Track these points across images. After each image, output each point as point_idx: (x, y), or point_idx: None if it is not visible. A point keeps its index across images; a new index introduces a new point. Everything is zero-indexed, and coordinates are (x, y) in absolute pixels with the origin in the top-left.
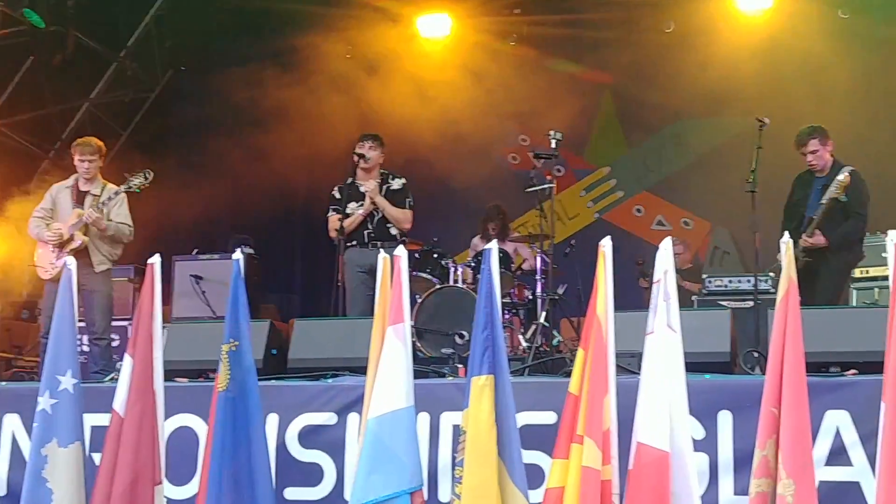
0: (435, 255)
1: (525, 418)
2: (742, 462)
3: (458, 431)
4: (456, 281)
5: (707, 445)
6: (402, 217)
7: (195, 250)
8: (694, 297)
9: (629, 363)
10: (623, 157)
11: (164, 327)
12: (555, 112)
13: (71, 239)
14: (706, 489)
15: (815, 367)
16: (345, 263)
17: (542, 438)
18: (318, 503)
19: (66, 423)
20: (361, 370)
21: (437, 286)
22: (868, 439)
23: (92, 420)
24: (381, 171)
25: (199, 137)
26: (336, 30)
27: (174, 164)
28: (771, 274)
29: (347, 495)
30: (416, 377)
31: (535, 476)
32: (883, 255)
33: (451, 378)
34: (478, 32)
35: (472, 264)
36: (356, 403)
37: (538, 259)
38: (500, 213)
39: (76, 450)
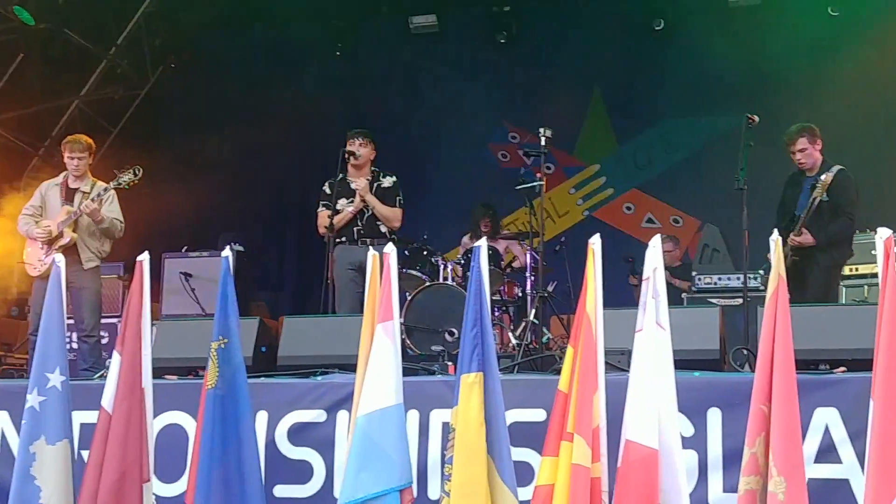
0: (425, 253)
1: (514, 416)
2: (731, 459)
3: (447, 429)
4: (446, 278)
5: (696, 443)
6: (391, 215)
7: (185, 248)
8: (684, 295)
9: (619, 360)
10: (613, 154)
11: (153, 325)
12: (545, 109)
13: (60, 235)
14: (695, 486)
15: (805, 364)
16: (334, 260)
17: (531, 436)
18: (308, 501)
19: (54, 420)
20: (351, 368)
21: (427, 283)
22: (857, 437)
23: (81, 417)
24: (373, 168)
25: (189, 135)
26: (326, 26)
27: (164, 162)
28: (760, 272)
29: (337, 493)
30: (405, 374)
31: (524, 473)
32: (872, 252)
33: (440, 375)
34: (467, 29)
35: (462, 261)
36: (346, 401)
37: (528, 256)
38: (490, 211)
39: (64, 447)
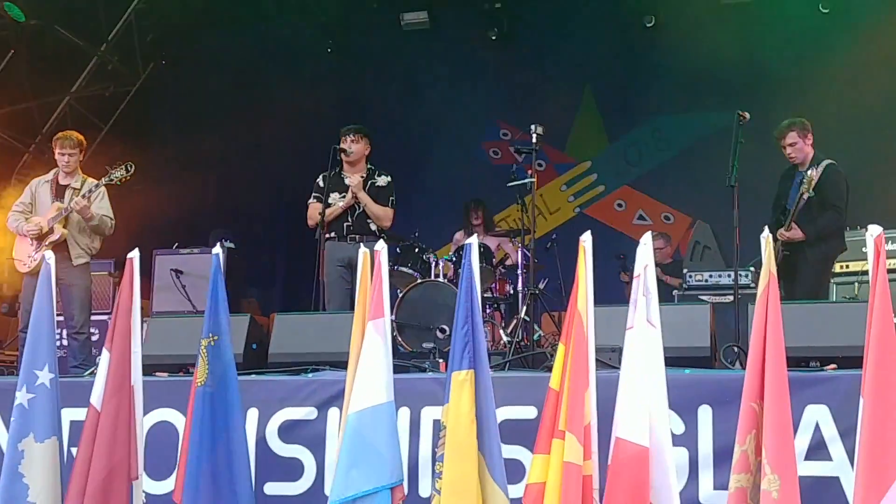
0: (416, 250)
1: (505, 413)
2: (722, 457)
3: (438, 426)
4: (437, 275)
5: (687, 440)
6: (382, 214)
7: (175, 244)
8: (675, 292)
9: (609, 358)
10: (604, 151)
11: (143, 322)
12: (536, 106)
13: (50, 231)
14: (686, 484)
15: (795, 361)
16: (323, 257)
17: (522, 433)
18: (299, 498)
19: (42, 418)
20: (342, 365)
21: (418, 281)
22: (847, 434)
23: (71, 415)
24: (369, 166)
25: (180, 131)
26: (318, 22)
27: (155, 158)
28: (752, 269)
29: (328, 490)
30: (396, 372)
31: (515, 471)
32: (863, 249)
33: (431, 373)
34: (459, 25)
35: (454, 258)
36: (337, 398)
37: (519, 254)
38: (481, 204)
39: (53, 445)
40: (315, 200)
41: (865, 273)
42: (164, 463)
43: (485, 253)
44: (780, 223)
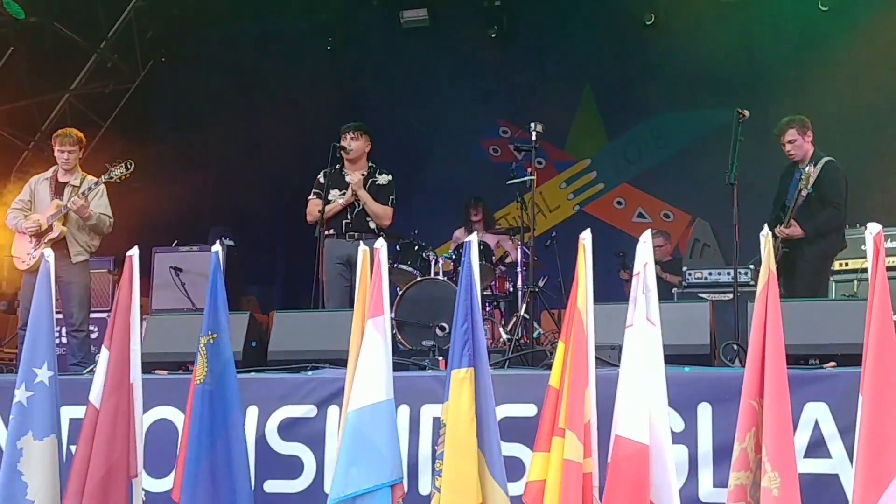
0: (415, 248)
1: (505, 411)
2: (721, 454)
3: (438, 424)
4: (436, 273)
5: (686, 438)
6: (381, 213)
7: (175, 242)
8: (674, 290)
9: (609, 356)
10: (603, 149)
11: (143, 319)
12: (536, 104)
13: (49, 229)
14: (685, 481)
15: (795, 359)
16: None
17: (521, 431)
18: (298, 496)
19: (41, 416)
20: (342, 363)
21: (418, 278)
22: (847, 432)
23: (70, 413)
24: (371, 164)
25: (180, 128)
26: (317, 20)
27: (155, 155)
28: (751, 266)
29: (327, 488)
30: (396, 370)
31: (514, 468)
32: (862, 247)
33: (431, 371)
34: (458, 23)
35: (453, 256)
36: (336, 396)
37: (519, 251)
38: (480, 201)
39: (51, 443)
40: (315, 196)
41: (865, 271)
42: (163, 461)
43: (484, 250)
44: (779, 220)
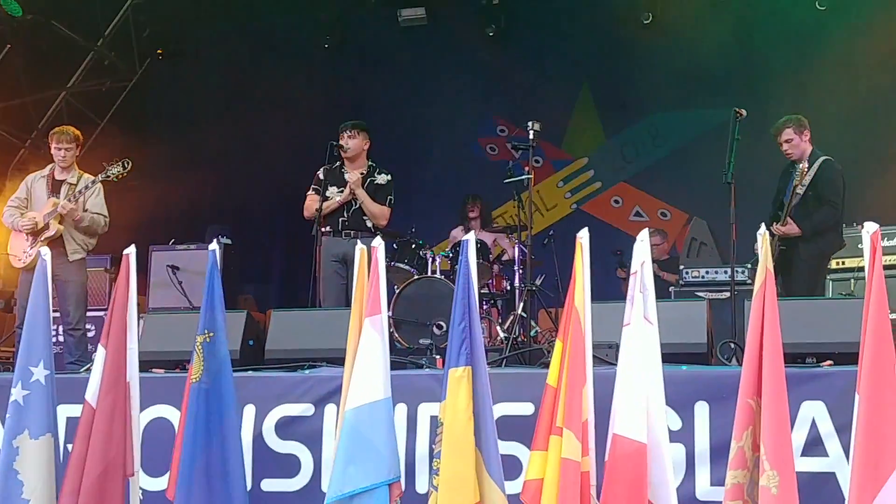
0: (413, 246)
1: (502, 409)
2: (718, 453)
3: (435, 423)
4: (434, 271)
5: (684, 436)
6: (378, 213)
7: (172, 240)
8: (671, 289)
9: (606, 354)
10: (601, 147)
11: (140, 318)
12: (533, 102)
13: (46, 227)
14: (682, 480)
15: (792, 357)
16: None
17: (519, 429)
18: (295, 495)
19: (37, 414)
20: (339, 361)
21: (415, 277)
22: (843, 430)
23: (67, 411)
24: (371, 163)
25: (177, 127)
26: (315, 18)
27: (151, 154)
28: (748, 265)
29: (325, 487)
30: (393, 368)
31: (511, 467)
32: (859, 246)
33: (428, 369)
34: (456, 22)
35: (451, 255)
36: (333, 394)
37: (516, 250)
38: (477, 200)
39: (47, 441)
40: (313, 192)
41: (861, 270)
42: (160, 459)
43: (482, 249)
44: (777, 219)
